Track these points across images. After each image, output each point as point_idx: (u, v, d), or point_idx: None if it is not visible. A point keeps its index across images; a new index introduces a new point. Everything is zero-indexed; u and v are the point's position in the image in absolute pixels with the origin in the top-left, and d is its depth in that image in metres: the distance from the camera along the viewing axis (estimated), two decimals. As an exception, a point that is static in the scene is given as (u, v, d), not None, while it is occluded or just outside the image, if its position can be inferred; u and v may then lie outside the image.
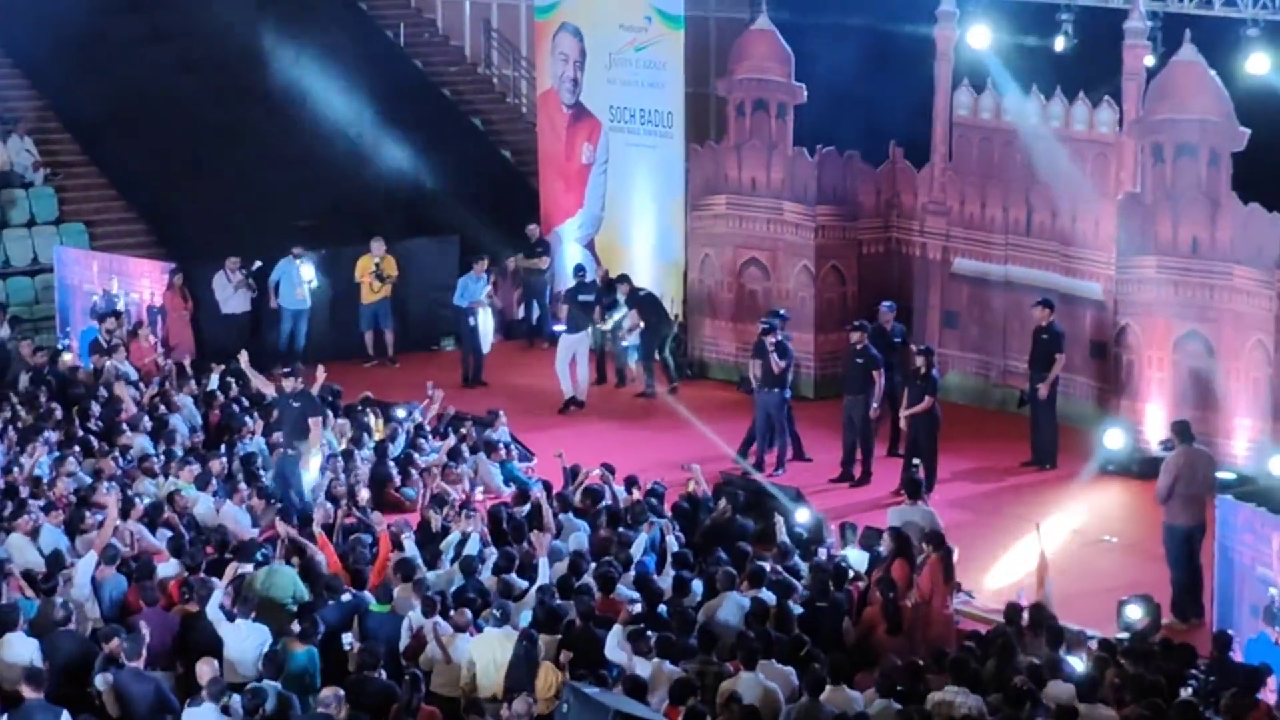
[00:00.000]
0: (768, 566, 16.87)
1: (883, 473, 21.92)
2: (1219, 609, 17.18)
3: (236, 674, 14.93)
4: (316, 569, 17.02)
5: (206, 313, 26.34)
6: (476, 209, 29.63)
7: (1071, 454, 22.52)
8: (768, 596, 16.10)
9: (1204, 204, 22.27)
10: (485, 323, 26.67)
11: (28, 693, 13.85)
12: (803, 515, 19.34)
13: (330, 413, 21.77)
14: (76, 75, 31.10)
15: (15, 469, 19.56)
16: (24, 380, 23.04)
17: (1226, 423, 22.04)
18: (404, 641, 15.62)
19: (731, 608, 15.99)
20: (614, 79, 28.38)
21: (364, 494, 19.66)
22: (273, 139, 30.89)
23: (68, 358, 24.79)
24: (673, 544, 17.74)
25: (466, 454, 21.43)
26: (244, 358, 21.82)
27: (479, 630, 15.43)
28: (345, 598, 16.17)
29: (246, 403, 22.53)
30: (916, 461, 20.67)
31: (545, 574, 16.60)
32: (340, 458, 20.57)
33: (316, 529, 17.82)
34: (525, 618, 15.75)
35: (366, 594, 16.40)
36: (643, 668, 14.48)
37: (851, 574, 17.24)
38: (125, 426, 21.08)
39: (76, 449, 20.16)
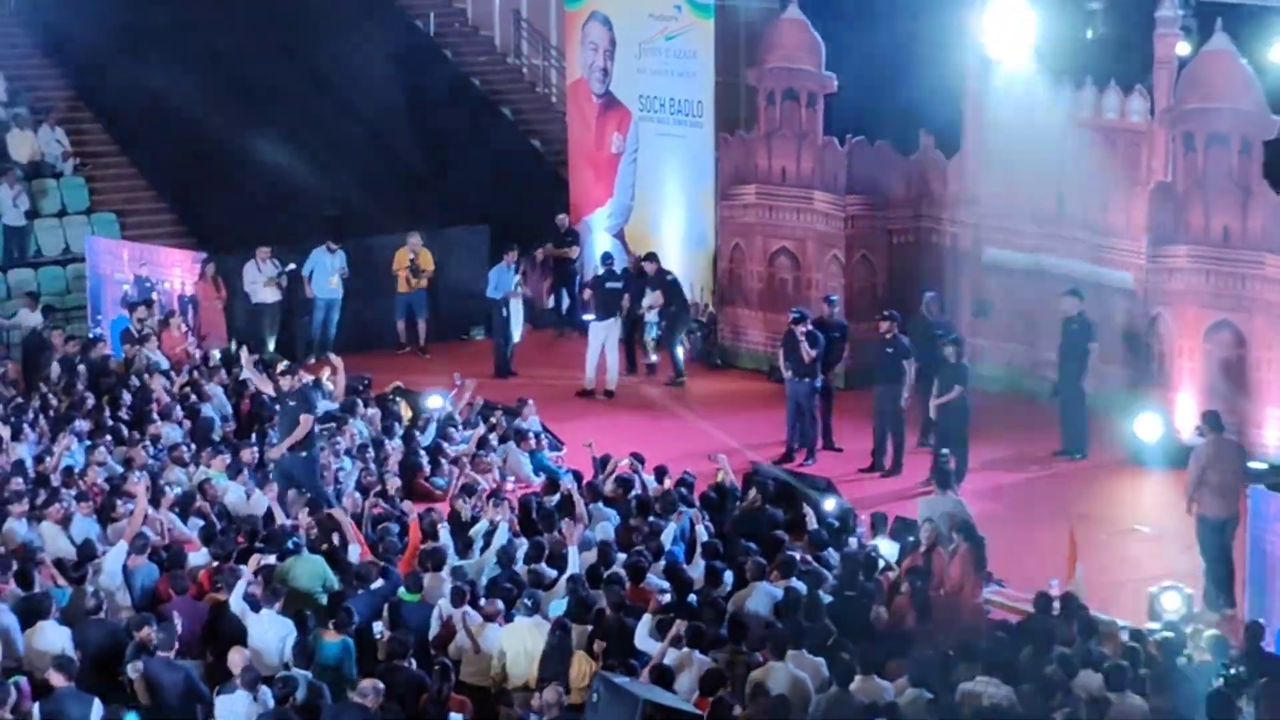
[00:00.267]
0: (798, 556, 16.86)
1: (913, 463, 21.90)
2: (1251, 599, 17.16)
3: (260, 664, 14.92)
4: (345, 557, 17.03)
5: (238, 302, 26.41)
6: (506, 199, 29.66)
7: (1102, 444, 22.46)
8: (799, 586, 16.08)
9: (1235, 193, 22.19)
10: (516, 312, 26.71)
11: (57, 681, 13.88)
12: (831, 505, 19.32)
13: (360, 402, 21.83)
14: (107, 66, 31.19)
15: (47, 458, 19.62)
16: (56, 369, 23.13)
17: (1259, 412, 21.94)
18: (434, 630, 15.63)
19: (761, 597, 15.96)
20: (644, 68, 28.37)
21: (394, 483, 19.69)
22: (302, 129, 30.97)
23: (102, 348, 24.84)
24: (702, 534, 17.73)
25: (495, 443, 21.45)
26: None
27: (509, 620, 15.43)
28: (376, 584, 16.17)
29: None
30: (946, 451, 20.64)
31: (575, 563, 16.60)
32: (370, 447, 20.60)
33: (345, 518, 17.83)
34: (555, 607, 15.75)
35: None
36: (671, 657, 14.48)
37: (882, 564, 17.22)
38: (156, 416, 21.13)
39: (108, 438, 20.20)
